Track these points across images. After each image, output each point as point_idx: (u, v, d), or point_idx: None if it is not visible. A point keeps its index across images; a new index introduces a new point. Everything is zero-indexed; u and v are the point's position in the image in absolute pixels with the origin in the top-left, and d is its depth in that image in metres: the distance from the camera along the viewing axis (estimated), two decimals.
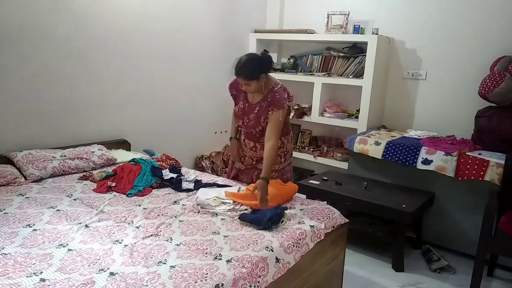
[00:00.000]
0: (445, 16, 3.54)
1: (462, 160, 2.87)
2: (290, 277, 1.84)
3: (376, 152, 3.21)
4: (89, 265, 1.57)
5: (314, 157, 4.06)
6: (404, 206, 2.75)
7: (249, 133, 2.58)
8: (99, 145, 3.03)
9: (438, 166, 2.93)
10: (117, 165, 2.78)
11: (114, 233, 1.87)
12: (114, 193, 2.40)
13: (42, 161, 2.62)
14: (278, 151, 2.52)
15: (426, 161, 2.97)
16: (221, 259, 1.66)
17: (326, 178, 3.34)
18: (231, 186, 2.53)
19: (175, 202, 2.30)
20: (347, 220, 2.36)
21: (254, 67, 2.34)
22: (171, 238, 1.84)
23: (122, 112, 3.40)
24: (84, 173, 2.69)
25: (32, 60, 2.77)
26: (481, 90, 3.05)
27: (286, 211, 2.16)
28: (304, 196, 2.87)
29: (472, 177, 2.82)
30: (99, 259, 1.62)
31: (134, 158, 2.89)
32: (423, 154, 3.00)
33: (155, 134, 3.67)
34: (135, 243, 1.77)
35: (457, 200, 2.99)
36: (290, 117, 4.11)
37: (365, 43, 3.67)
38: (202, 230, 1.93)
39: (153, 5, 3.47)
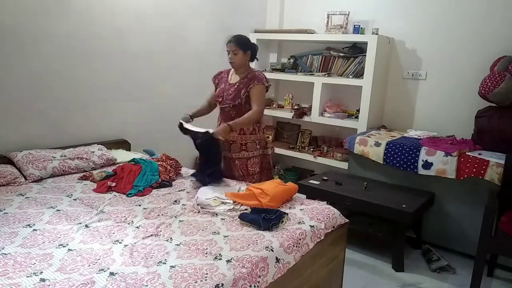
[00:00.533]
0: (445, 16, 3.54)
1: (462, 160, 2.88)
2: (290, 277, 1.84)
3: (377, 155, 3.22)
4: (89, 265, 1.57)
5: (314, 157, 4.06)
6: (404, 206, 2.75)
7: (226, 112, 2.78)
8: (99, 145, 3.03)
9: (439, 170, 2.93)
10: (117, 165, 2.78)
11: (114, 233, 1.87)
12: (114, 193, 2.40)
13: (42, 161, 2.62)
14: (252, 137, 2.79)
15: (427, 165, 2.98)
16: (221, 259, 1.66)
17: (326, 178, 3.34)
18: (231, 186, 2.53)
19: (175, 202, 2.30)
20: (347, 220, 2.36)
21: (245, 40, 2.74)
22: (171, 238, 1.84)
23: (122, 112, 3.40)
24: (84, 173, 2.69)
25: (32, 60, 2.77)
26: (481, 90, 3.05)
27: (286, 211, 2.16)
28: (304, 196, 2.87)
29: (472, 175, 2.82)
30: (99, 259, 1.62)
31: (134, 158, 2.88)
32: (423, 155, 3.00)
33: (155, 134, 3.67)
34: (135, 243, 1.77)
35: (457, 200, 2.99)
36: (290, 117, 4.17)
37: (365, 43, 3.67)
38: (202, 230, 1.93)
39: (153, 5, 3.47)
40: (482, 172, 2.80)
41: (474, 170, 2.83)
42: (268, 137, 4.59)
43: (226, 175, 2.75)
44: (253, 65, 2.98)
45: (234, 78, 2.82)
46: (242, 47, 2.69)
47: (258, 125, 2.84)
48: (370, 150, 3.26)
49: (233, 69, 2.84)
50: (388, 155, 3.17)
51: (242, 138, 2.79)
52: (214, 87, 2.94)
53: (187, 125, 2.67)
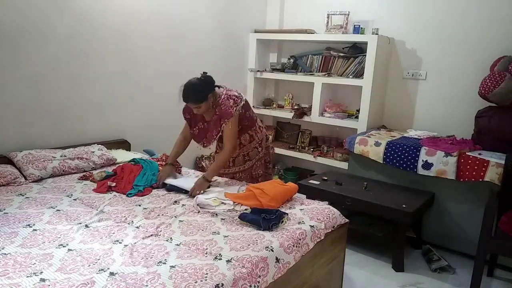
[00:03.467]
0: (445, 16, 3.54)
1: (462, 160, 2.88)
2: (290, 277, 1.84)
3: (377, 154, 3.22)
4: (89, 265, 1.57)
5: (314, 157, 4.06)
6: (404, 206, 2.75)
7: (203, 146, 2.70)
8: (99, 145, 3.03)
9: (439, 170, 2.93)
10: (117, 165, 2.78)
11: (114, 233, 1.87)
12: (114, 193, 2.40)
13: (42, 161, 2.61)
14: (252, 144, 2.75)
15: (427, 165, 2.98)
16: (221, 259, 1.66)
17: (326, 178, 3.33)
18: (232, 186, 2.53)
19: (175, 202, 2.30)
20: (347, 220, 2.36)
21: (200, 91, 2.47)
22: (171, 238, 1.84)
23: (122, 112, 3.40)
24: (84, 173, 2.69)
25: (32, 60, 2.77)
26: (481, 90, 3.05)
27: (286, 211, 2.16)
28: (304, 196, 2.87)
29: (473, 178, 2.83)
30: (99, 259, 1.62)
31: (134, 158, 2.88)
32: (423, 155, 3.00)
33: (155, 134, 3.67)
34: (135, 243, 1.77)
35: (457, 200, 2.99)
36: (290, 117, 4.16)
37: (365, 43, 3.67)
38: (202, 230, 1.93)
39: (153, 5, 3.47)
40: (482, 172, 2.80)
41: (474, 170, 2.83)
42: (268, 137, 4.59)
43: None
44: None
45: (209, 115, 2.62)
46: (201, 100, 2.46)
47: (253, 128, 2.75)
48: (370, 150, 3.26)
49: None
50: (388, 154, 3.17)
51: (243, 150, 2.76)
52: (187, 123, 2.74)
53: (171, 181, 2.54)
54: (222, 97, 2.56)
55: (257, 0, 4.51)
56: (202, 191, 2.40)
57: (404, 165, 3.09)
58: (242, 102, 2.59)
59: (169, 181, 2.55)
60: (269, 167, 2.96)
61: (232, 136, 2.56)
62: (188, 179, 2.63)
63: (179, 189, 2.47)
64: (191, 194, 2.39)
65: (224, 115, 2.52)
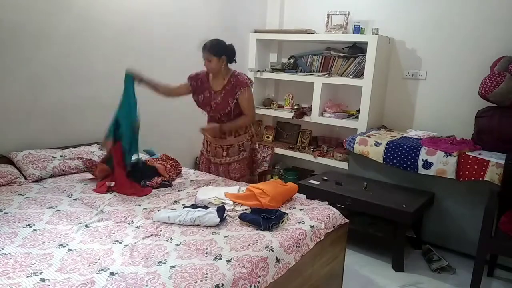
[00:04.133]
0: (445, 16, 3.54)
1: (462, 160, 2.87)
2: (290, 277, 1.84)
3: (377, 154, 3.22)
4: (89, 265, 1.57)
5: (314, 157, 4.06)
6: (404, 206, 2.75)
7: (216, 118, 2.76)
8: (99, 145, 3.03)
9: (439, 170, 2.93)
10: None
11: (114, 233, 1.87)
12: (114, 193, 2.40)
13: (42, 161, 2.62)
14: (246, 137, 2.82)
15: (427, 164, 2.97)
16: (221, 259, 1.66)
17: (326, 178, 3.33)
18: (232, 186, 2.53)
19: (175, 202, 2.30)
20: (347, 220, 2.36)
21: (218, 46, 2.66)
22: (171, 238, 1.84)
23: None
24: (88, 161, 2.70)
25: (32, 60, 2.77)
26: (481, 90, 3.05)
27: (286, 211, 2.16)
28: (304, 196, 2.87)
29: (473, 178, 2.83)
30: (99, 259, 1.62)
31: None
32: (423, 155, 3.00)
33: (155, 134, 3.66)
34: (135, 243, 1.77)
35: (457, 200, 2.99)
36: (290, 117, 4.16)
37: (365, 43, 3.67)
38: (202, 230, 1.93)
39: (153, 5, 3.47)
40: (482, 172, 2.80)
41: (474, 170, 2.83)
42: (268, 137, 4.60)
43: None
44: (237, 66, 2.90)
45: (216, 84, 2.74)
46: (215, 53, 2.62)
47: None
48: (370, 150, 3.26)
49: (211, 75, 2.77)
50: (388, 154, 3.17)
51: (238, 139, 2.80)
52: (189, 87, 2.83)
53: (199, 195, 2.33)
54: (237, 72, 2.75)
55: (257, 0, 4.51)
56: (209, 135, 2.61)
57: (404, 165, 3.09)
58: (253, 84, 2.78)
59: (200, 195, 2.34)
60: (254, 172, 2.98)
61: (251, 104, 2.73)
62: (209, 190, 2.46)
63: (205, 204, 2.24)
64: (201, 130, 2.58)
65: (240, 83, 2.67)
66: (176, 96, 2.89)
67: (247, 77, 2.76)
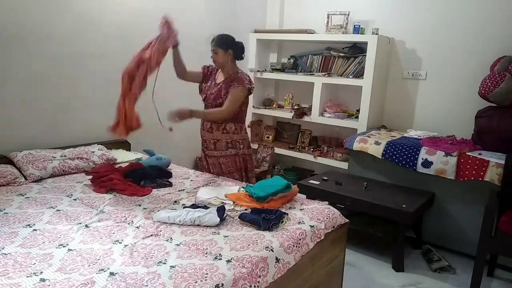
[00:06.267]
0: (445, 16, 3.54)
1: (462, 160, 2.87)
2: (290, 277, 1.84)
3: (376, 151, 3.21)
4: (89, 265, 1.57)
5: (314, 157, 4.06)
6: (404, 206, 2.75)
7: (208, 108, 2.80)
8: (99, 145, 3.03)
9: (438, 169, 2.93)
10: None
11: (114, 233, 1.87)
12: (114, 193, 2.40)
13: (42, 161, 2.61)
14: (236, 137, 2.81)
15: (426, 163, 2.97)
16: (221, 259, 1.66)
17: (326, 178, 3.33)
18: (232, 186, 2.53)
19: (175, 202, 2.30)
20: (347, 220, 2.36)
21: (226, 39, 2.72)
22: (171, 238, 1.84)
23: None
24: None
25: (32, 60, 2.76)
26: (481, 90, 3.05)
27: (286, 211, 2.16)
28: (304, 196, 2.87)
29: (472, 178, 2.83)
30: (99, 259, 1.62)
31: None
32: (423, 154, 3.00)
33: (155, 134, 3.66)
34: (135, 243, 1.77)
35: (457, 200, 2.99)
36: (290, 117, 4.17)
37: (365, 43, 3.67)
38: (202, 230, 1.93)
39: (153, 5, 3.47)
40: (482, 172, 2.80)
41: (474, 170, 2.82)
42: (268, 137, 4.60)
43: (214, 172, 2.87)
44: (246, 65, 2.97)
45: (219, 77, 2.82)
46: (222, 46, 2.69)
47: (239, 125, 2.84)
48: (369, 146, 3.25)
49: (219, 69, 2.84)
50: (387, 151, 3.16)
51: (226, 137, 2.81)
52: (200, 74, 2.94)
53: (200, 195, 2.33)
54: (241, 71, 2.80)
55: (257, 0, 4.51)
56: (178, 119, 2.52)
57: (403, 162, 3.07)
58: (252, 90, 2.77)
59: (200, 194, 2.34)
60: (249, 175, 2.97)
61: (234, 101, 2.67)
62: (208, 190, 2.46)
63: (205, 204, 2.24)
64: (169, 117, 2.50)
65: (237, 80, 2.70)
66: (189, 79, 2.94)
67: (249, 80, 2.78)
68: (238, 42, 2.79)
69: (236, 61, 2.83)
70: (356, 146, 3.33)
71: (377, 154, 3.21)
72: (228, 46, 2.71)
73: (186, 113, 2.54)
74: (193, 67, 2.97)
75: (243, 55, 2.83)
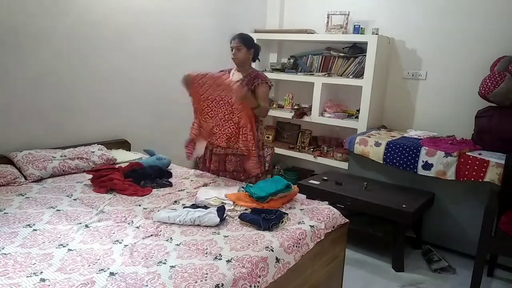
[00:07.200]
0: (445, 16, 3.54)
1: (462, 160, 2.87)
2: (290, 277, 1.84)
3: (377, 155, 3.22)
4: (89, 265, 1.57)
5: (314, 157, 4.06)
6: (404, 206, 2.75)
7: None
8: (99, 145, 3.03)
9: (439, 171, 2.93)
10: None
11: (114, 233, 1.87)
12: (114, 193, 2.40)
13: (42, 161, 2.61)
14: (252, 138, 2.73)
15: (427, 165, 2.98)
16: (221, 259, 1.66)
17: (326, 178, 3.34)
18: (232, 186, 2.53)
19: (175, 202, 2.30)
20: (347, 220, 2.36)
21: (249, 38, 2.80)
22: (171, 238, 1.84)
23: (122, 112, 3.40)
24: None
25: (32, 60, 2.77)
26: (481, 90, 3.05)
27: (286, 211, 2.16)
28: (304, 196, 2.87)
29: (472, 179, 2.83)
30: (99, 259, 1.62)
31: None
32: (423, 156, 3.00)
33: (155, 134, 3.67)
34: (135, 243, 1.77)
35: (457, 200, 2.99)
36: (290, 117, 4.17)
37: (365, 43, 3.67)
38: (202, 230, 1.93)
39: (153, 5, 3.47)
40: (482, 172, 2.80)
41: (474, 170, 2.83)
42: (268, 137, 4.60)
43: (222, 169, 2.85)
44: (255, 65, 2.99)
45: (236, 76, 2.82)
46: (246, 44, 2.74)
47: (257, 124, 2.82)
48: (370, 150, 3.26)
49: (234, 68, 2.85)
50: (388, 155, 3.17)
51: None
52: None
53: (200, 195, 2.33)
54: (259, 71, 2.86)
55: (257, 0, 4.51)
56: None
57: (404, 165, 3.09)
58: (271, 87, 2.83)
59: (200, 195, 2.33)
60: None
61: (266, 97, 2.75)
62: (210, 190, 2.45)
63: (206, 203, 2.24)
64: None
65: (259, 76, 2.76)
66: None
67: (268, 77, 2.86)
68: (257, 44, 2.86)
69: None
70: (357, 149, 3.33)
71: (378, 159, 3.22)
72: (251, 45, 2.78)
73: (246, 93, 2.58)
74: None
75: (259, 57, 2.88)
